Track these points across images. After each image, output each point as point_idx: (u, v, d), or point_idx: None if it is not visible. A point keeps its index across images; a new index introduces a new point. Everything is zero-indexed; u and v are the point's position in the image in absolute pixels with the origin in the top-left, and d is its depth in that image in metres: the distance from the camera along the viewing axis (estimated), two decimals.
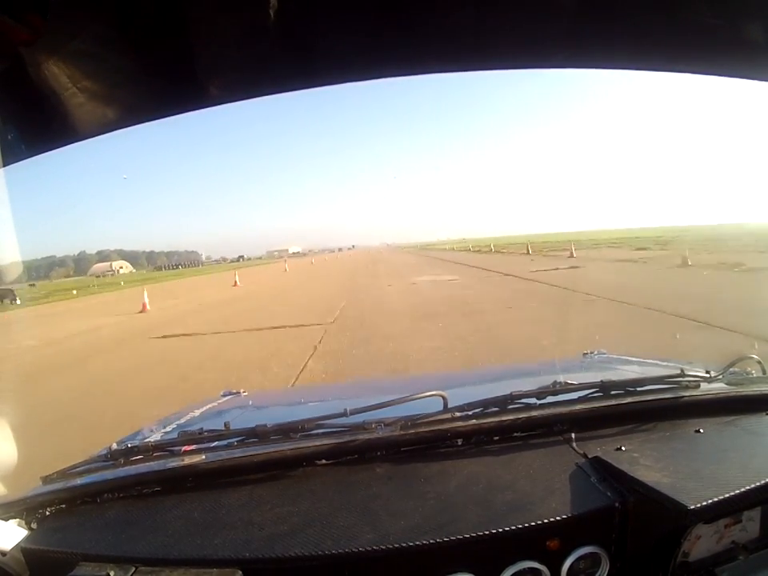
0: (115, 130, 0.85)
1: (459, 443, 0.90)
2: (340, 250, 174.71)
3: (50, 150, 0.84)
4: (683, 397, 0.95)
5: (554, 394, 0.95)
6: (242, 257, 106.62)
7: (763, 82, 0.87)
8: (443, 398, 0.93)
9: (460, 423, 0.90)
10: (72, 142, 0.85)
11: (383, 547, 0.66)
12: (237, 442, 0.89)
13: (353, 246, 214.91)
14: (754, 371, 1.07)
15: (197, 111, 0.89)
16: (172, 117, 0.86)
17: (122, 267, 75.68)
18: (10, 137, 0.77)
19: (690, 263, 12.26)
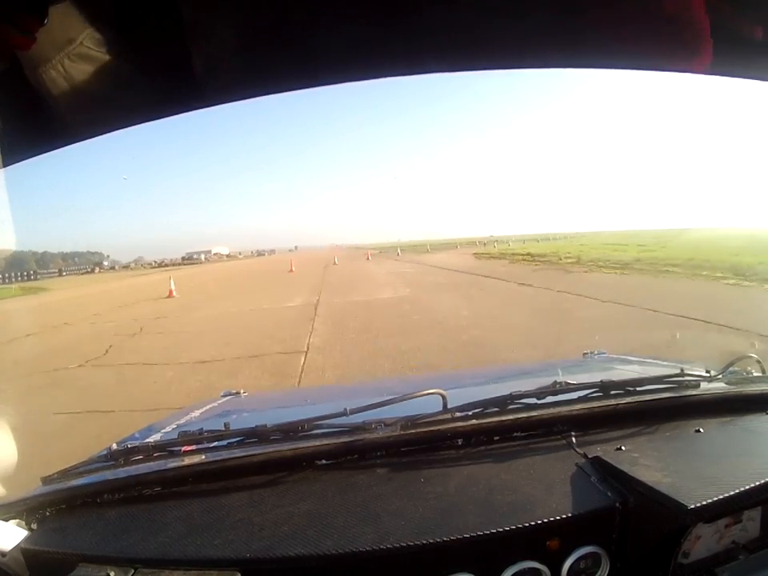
0: (114, 130, 0.85)
1: (459, 443, 0.90)
2: (272, 251, 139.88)
3: (50, 150, 0.84)
4: (683, 396, 0.95)
5: (554, 394, 0.95)
6: (98, 264, 78.21)
7: (763, 82, 0.87)
8: (443, 396, 0.93)
9: (460, 423, 0.90)
10: (71, 143, 0.84)
11: (383, 547, 0.65)
12: (237, 442, 0.88)
13: (295, 248, 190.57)
14: (753, 370, 1.07)
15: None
16: (167, 118, 0.86)
17: None
18: (9, 137, 0.77)
19: None
